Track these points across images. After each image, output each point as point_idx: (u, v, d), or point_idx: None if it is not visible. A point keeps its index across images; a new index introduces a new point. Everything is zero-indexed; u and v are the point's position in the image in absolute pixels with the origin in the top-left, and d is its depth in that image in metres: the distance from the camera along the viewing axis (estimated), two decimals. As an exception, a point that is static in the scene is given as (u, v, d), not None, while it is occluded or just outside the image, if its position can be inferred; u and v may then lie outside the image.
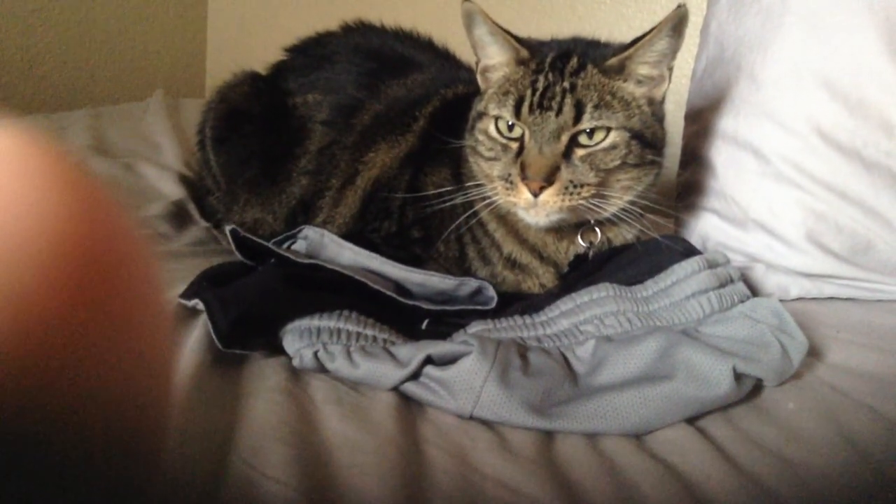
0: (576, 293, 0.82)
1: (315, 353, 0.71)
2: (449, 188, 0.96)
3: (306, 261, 0.84)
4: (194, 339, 0.72)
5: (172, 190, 1.31)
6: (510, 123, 0.89)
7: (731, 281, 0.85)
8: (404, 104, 1.12)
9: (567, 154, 0.86)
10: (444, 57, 1.25)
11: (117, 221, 0.24)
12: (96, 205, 0.23)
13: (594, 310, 0.80)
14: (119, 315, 0.22)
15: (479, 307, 0.85)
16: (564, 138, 0.86)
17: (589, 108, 0.86)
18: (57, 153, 0.23)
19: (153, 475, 0.25)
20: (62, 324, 0.21)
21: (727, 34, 1.13)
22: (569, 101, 0.86)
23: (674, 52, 0.89)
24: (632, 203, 0.92)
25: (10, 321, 0.20)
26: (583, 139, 0.86)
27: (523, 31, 0.95)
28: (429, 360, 0.70)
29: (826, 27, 1.01)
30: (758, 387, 0.73)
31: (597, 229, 0.95)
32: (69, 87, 2.02)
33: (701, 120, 1.16)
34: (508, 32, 0.92)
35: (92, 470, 0.22)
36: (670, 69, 0.91)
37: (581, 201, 0.86)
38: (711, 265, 0.85)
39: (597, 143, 0.86)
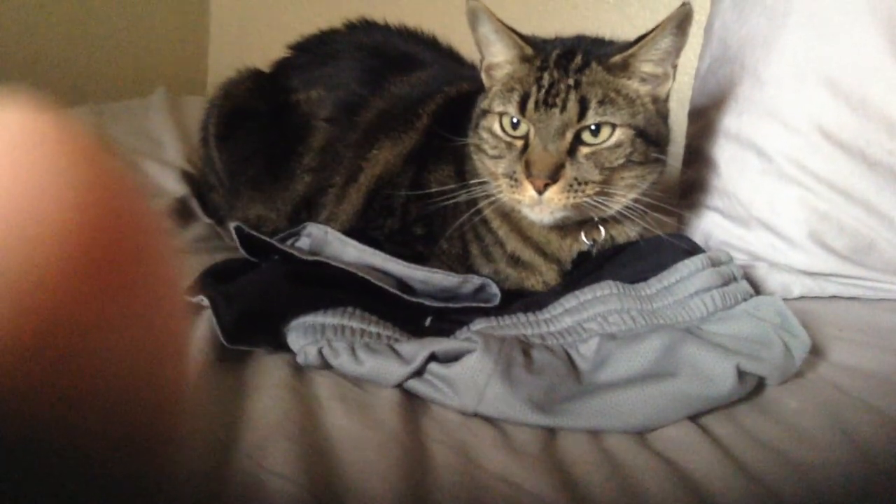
0: (579, 291, 0.83)
1: (319, 350, 0.71)
2: (452, 185, 0.96)
3: (310, 258, 0.84)
4: (198, 336, 0.73)
5: (175, 186, 1.31)
6: (515, 121, 0.89)
7: (735, 279, 0.85)
8: (408, 101, 1.11)
9: (572, 152, 0.86)
10: (448, 55, 1.25)
11: (142, 211, 0.23)
12: (121, 191, 0.23)
13: (598, 307, 0.80)
14: (134, 308, 0.22)
15: (482, 304, 0.85)
16: (569, 135, 0.86)
17: (593, 104, 0.86)
18: (88, 136, 0.22)
19: (161, 476, 0.25)
20: (72, 314, 0.20)
21: (731, 33, 1.13)
22: (573, 97, 0.86)
23: (678, 49, 0.89)
24: (636, 201, 0.92)
25: (14, 311, 0.19)
26: (587, 137, 0.86)
27: (527, 30, 0.95)
28: (433, 357, 0.70)
29: (829, 26, 1.01)
30: (760, 385, 0.74)
31: (600, 227, 0.95)
32: (71, 84, 2.01)
33: (704, 118, 1.16)
34: (513, 30, 0.91)
35: (94, 469, 0.22)
36: (674, 67, 0.91)
37: (585, 199, 0.86)
38: (715, 263, 0.85)
39: (602, 141, 0.86)
